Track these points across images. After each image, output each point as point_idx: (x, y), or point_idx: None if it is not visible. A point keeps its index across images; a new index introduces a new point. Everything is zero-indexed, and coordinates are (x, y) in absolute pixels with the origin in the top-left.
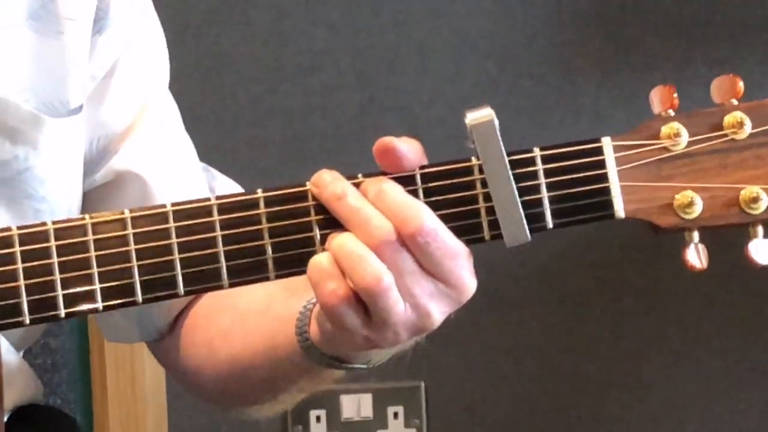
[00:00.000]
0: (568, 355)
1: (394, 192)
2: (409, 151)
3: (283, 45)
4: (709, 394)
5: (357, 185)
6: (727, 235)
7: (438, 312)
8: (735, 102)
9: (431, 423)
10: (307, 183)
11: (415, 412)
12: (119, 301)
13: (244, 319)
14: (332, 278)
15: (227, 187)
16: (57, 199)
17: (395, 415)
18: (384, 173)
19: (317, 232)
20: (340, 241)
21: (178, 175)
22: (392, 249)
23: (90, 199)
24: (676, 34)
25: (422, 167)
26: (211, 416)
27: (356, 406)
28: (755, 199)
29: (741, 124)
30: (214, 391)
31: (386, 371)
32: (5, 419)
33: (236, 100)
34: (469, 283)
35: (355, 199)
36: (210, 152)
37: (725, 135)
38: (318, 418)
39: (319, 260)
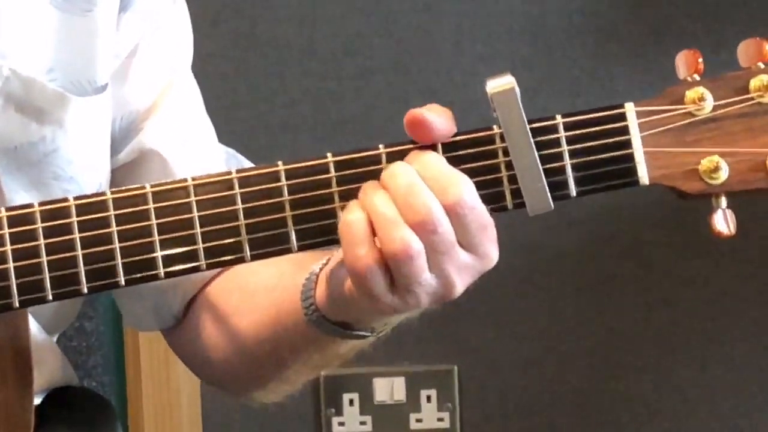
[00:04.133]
0: (600, 339)
1: (438, 162)
2: (439, 121)
3: (316, 28)
4: (742, 377)
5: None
6: (762, 219)
7: (462, 283)
8: (761, 65)
9: (464, 406)
10: (329, 155)
11: (448, 396)
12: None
13: (253, 297)
14: (363, 243)
15: None
16: (85, 179)
17: (428, 398)
18: (411, 142)
19: (338, 204)
20: (375, 200)
21: (197, 154)
22: (433, 223)
23: (114, 177)
24: (711, 19)
25: None
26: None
27: (389, 389)
28: None
29: (767, 88)
30: (222, 374)
31: (419, 354)
32: (39, 401)
33: (270, 83)
34: (494, 254)
35: (405, 173)
36: (243, 135)
37: (751, 98)
38: (351, 401)
39: (353, 220)
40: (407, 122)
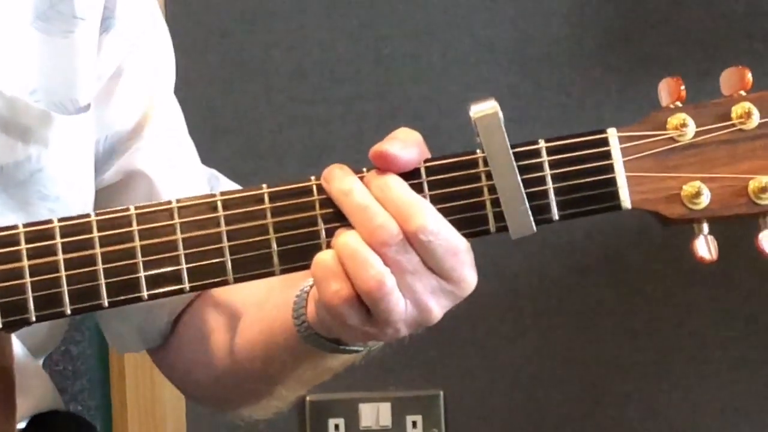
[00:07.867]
0: (586, 365)
1: (398, 187)
2: (403, 153)
3: (304, 53)
4: (729, 403)
5: (362, 178)
6: (747, 247)
7: (439, 307)
8: (743, 93)
9: None
10: (312, 178)
11: (434, 421)
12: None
13: (242, 312)
14: (336, 278)
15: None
16: (70, 198)
17: (414, 424)
18: None
19: (322, 227)
20: (344, 240)
21: (182, 176)
22: (395, 248)
23: (99, 198)
24: (697, 48)
25: (427, 160)
26: (231, 424)
27: (375, 414)
28: (764, 189)
29: (749, 115)
30: (211, 391)
31: (405, 380)
32: (24, 425)
33: (258, 108)
34: (470, 278)
35: (361, 195)
36: (231, 160)
37: (733, 125)
38: (336, 427)
39: (324, 258)
40: (372, 157)
